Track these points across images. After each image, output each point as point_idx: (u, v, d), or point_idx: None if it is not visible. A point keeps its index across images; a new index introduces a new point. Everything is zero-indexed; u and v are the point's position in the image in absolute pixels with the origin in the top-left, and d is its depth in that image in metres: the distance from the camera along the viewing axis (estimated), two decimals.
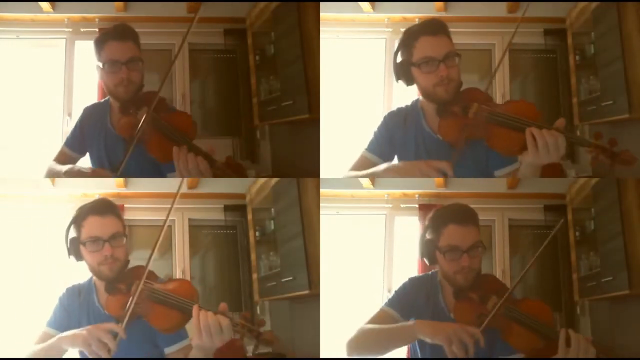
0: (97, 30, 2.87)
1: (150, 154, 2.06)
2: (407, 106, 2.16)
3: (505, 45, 2.91)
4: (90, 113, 2.27)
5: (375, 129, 2.19)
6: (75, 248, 1.97)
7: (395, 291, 2.10)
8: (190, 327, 1.92)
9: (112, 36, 2.11)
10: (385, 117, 2.19)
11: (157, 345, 1.99)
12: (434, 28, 1.99)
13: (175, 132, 2.04)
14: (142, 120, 2.01)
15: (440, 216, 2.00)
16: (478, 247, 1.94)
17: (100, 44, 2.11)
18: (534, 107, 1.95)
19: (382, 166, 2.09)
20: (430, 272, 2.11)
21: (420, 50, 1.97)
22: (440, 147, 2.02)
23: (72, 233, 1.98)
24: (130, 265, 2.01)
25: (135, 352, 1.96)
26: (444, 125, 1.97)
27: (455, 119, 1.96)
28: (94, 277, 2.03)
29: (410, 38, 2.00)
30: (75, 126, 2.28)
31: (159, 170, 2.16)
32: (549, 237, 1.96)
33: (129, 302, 1.89)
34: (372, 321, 2.04)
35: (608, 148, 1.88)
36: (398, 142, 2.14)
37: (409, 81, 2.03)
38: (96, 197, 2.89)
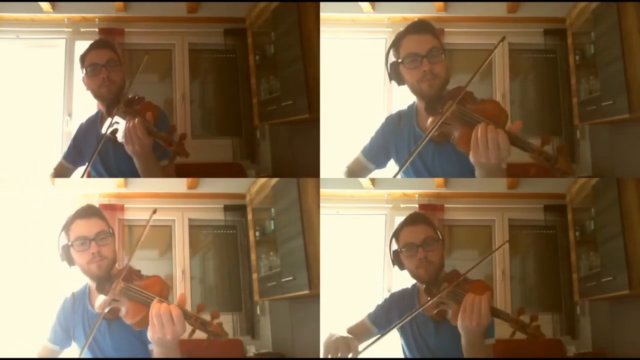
0: (97, 30, 2.87)
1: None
2: (405, 108, 2.21)
3: (505, 45, 2.91)
4: (85, 127, 2.41)
5: (373, 133, 2.25)
6: (66, 253, 2.07)
7: (377, 305, 2.24)
8: None
9: (92, 47, 2.30)
10: (385, 120, 2.26)
11: (143, 341, 2.02)
12: (418, 27, 2.06)
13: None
14: (114, 115, 2.16)
15: (399, 225, 2.16)
16: (434, 242, 2.08)
17: (83, 56, 2.30)
18: (498, 106, 1.99)
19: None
20: (410, 286, 2.23)
21: (405, 48, 2.03)
22: (428, 147, 2.06)
23: (63, 240, 2.08)
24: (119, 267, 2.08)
25: (126, 347, 2.06)
26: (429, 122, 2.01)
27: (436, 117, 1.99)
28: (89, 281, 2.12)
29: (397, 39, 2.07)
30: (71, 142, 2.44)
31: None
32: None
33: (113, 302, 1.97)
34: (351, 329, 2.21)
35: (550, 156, 1.88)
36: (393, 146, 2.21)
37: (400, 81, 2.08)
38: (96, 197, 2.90)
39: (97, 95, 2.27)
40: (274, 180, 2.77)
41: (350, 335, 2.06)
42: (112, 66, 2.25)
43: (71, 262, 2.07)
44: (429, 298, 2.04)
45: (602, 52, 2.67)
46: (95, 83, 2.24)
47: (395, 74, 2.07)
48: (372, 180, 2.94)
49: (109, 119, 2.16)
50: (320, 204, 2.58)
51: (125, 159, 2.19)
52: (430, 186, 2.98)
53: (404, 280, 2.21)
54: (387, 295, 2.31)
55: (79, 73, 2.90)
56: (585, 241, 2.82)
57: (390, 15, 2.95)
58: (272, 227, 2.82)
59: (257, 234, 2.91)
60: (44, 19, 2.87)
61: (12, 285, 2.85)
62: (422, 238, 2.08)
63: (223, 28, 2.92)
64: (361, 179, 2.89)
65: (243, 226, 3.01)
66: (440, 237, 2.12)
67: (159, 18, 2.87)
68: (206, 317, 1.92)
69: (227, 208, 3.01)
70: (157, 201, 2.97)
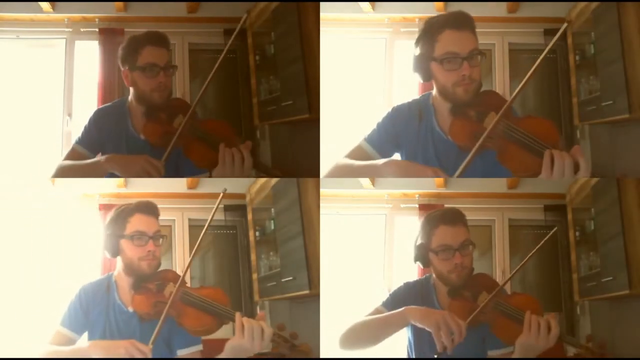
0: (97, 30, 2.87)
1: (188, 158, 2.07)
2: (417, 101, 2.03)
3: (505, 45, 2.91)
4: (106, 115, 2.23)
5: (380, 120, 2.05)
6: (114, 242, 2.01)
7: (390, 294, 2.13)
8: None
9: (149, 41, 2.11)
10: (393, 110, 2.05)
11: (170, 346, 2.02)
12: (460, 22, 1.86)
13: (213, 138, 2.06)
14: (180, 128, 2.04)
15: (432, 219, 2.02)
16: (468, 244, 1.98)
17: (136, 47, 2.10)
18: (554, 127, 1.83)
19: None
20: (424, 277, 2.14)
21: (443, 45, 1.83)
22: (450, 150, 1.91)
23: (115, 228, 2.02)
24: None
25: (152, 352, 1.97)
26: (457, 126, 1.85)
27: (468, 123, 1.84)
28: (115, 275, 2.07)
29: (433, 30, 1.86)
30: (89, 127, 2.22)
31: (181, 173, 2.18)
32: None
33: (163, 305, 1.95)
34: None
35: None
36: (404, 139, 2.01)
37: (427, 76, 1.90)
38: (96, 197, 2.90)
39: (143, 97, 2.10)
40: (274, 180, 2.77)
41: (453, 315, 1.90)
42: (169, 70, 2.10)
43: (116, 252, 2.02)
44: (451, 298, 1.96)
45: (602, 52, 2.67)
46: (149, 85, 2.07)
47: (424, 69, 1.88)
48: (372, 180, 2.94)
49: (162, 128, 2.04)
50: (320, 204, 2.58)
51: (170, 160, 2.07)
52: (430, 186, 2.99)
53: (403, 280, 2.20)
54: (387, 292, 2.26)
55: (79, 73, 2.93)
56: (585, 241, 2.82)
57: (390, 15, 2.95)
58: (272, 227, 2.82)
59: (257, 234, 2.91)
60: (44, 19, 2.87)
61: (12, 285, 2.85)
62: (461, 241, 1.96)
63: (223, 28, 2.92)
64: (361, 179, 2.89)
65: (243, 226, 3.01)
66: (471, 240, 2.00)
67: (159, 18, 2.87)
68: (286, 335, 1.95)
69: (227, 208, 3.01)
70: (157, 201, 2.93)
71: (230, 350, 1.88)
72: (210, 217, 2.04)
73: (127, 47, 2.11)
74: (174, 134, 2.03)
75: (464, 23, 1.86)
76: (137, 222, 2.01)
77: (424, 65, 1.88)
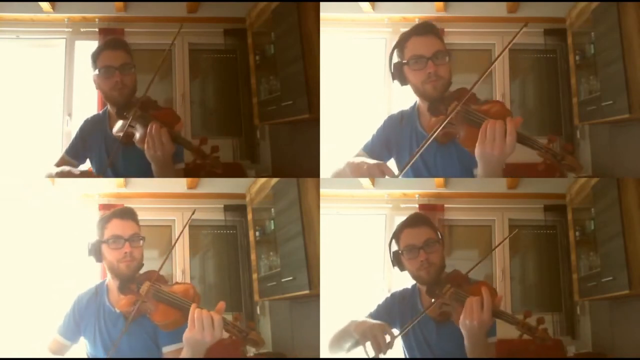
0: (97, 30, 2.87)
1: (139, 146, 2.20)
2: (407, 108, 2.22)
3: (505, 45, 2.91)
4: (91, 123, 2.42)
5: (375, 131, 2.26)
6: (96, 249, 2.14)
7: (378, 304, 2.23)
8: None
9: (106, 47, 2.31)
10: (386, 119, 2.26)
11: (158, 343, 2.10)
12: (423, 29, 2.08)
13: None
14: (130, 119, 2.19)
15: (398, 227, 2.16)
16: (434, 243, 2.08)
17: (95, 55, 2.30)
18: (503, 106, 2.00)
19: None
20: (411, 285, 2.22)
21: (410, 50, 2.06)
22: (430, 147, 2.06)
23: (95, 237, 2.15)
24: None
25: (140, 347, 2.11)
26: (432, 123, 2.03)
27: (439, 117, 2.02)
28: (107, 280, 2.19)
29: (402, 40, 2.09)
30: (76, 136, 2.43)
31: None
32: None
33: (143, 307, 2.06)
34: None
35: (557, 153, 1.89)
36: (394, 144, 2.21)
37: (403, 81, 2.10)
38: (96, 197, 2.90)
39: (107, 97, 2.29)
40: (274, 180, 2.76)
41: (380, 322, 2.05)
42: (126, 70, 2.26)
43: (99, 258, 2.14)
44: (432, 299, 2.04)
45: (602, 52, 2.67)
46: (107, 85, 2.25)
47: (399, 74, 2.10)
48: (372, 180, 2.94)
49: (121, 121, 2.20)
50: (320, 204, 2.58)
51: (135, 160, 2.23)
52: (430, 186, 2.99)
53: (404, 280, 2.21)
54: (387, 295, 2.30)
55: (79, 73, 2.93)
56: (585, 241, 2.82)
57: (390, 15, 2.95)
58: (272, 227, 2.82)
59: (257, 234, 2.91)
60: (44, 19, 2.87)
61: (12, 285, 2.85)
62: (423, 240, 2.08)
63: (223, 28, 2.92)
64: (361, 179, 2.89)
65: (243, 226, 3.01)
66: (441, 238, 2.12)
67: (159, 18, 2.87)
68: (242, 325, 2.03)
69: (227, 208, 3.01)
70: (157, 201, 2.97)
71: (186, 343, 1.96)
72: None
73: (91, 55, 2.31)
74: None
75: (427, 30, 2.08)
76: (113, 227, 2.12)
77: (398, 71, 2.10)
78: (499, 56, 2.12)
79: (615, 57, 2.55)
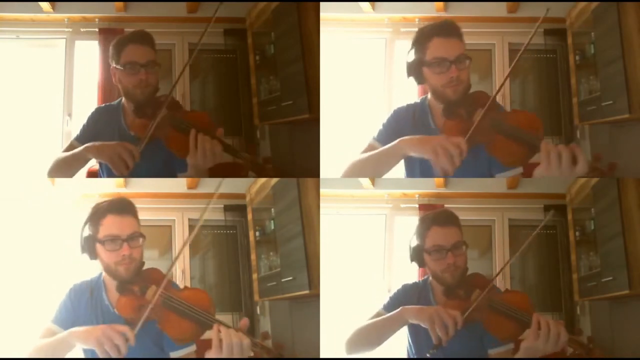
0: (97, 30, 2.87)
1: (169, 149, 2.11)
2: (415, 103, 2.18)
3: (505, 45, 2.91)
4: (103, 113, 2.29)
5: (385, 120, 2.19)
6: (90, 246, 1.98)
7: (390, 297, 2.19)
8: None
9: (131, 40, 2.17)
10: (395, 111, 2.20)
11: (163, 347, 1.99)
12: (447, 30, 2.03)
13: (192, 127, 2.09)
14: (158, 118, 2.09)
15: (425, 221, 2.11)
16: (461, 246, 2.05)
17: (119, 46, 2.16)
18: (537, 119, 1.98)
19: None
20: (423, 278, 2.21)
21: (433, 51, 2.01)
22: None
23: (88, 231, 1.99)
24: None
25: (144, 351, 1.97)
26: (448, 126, 2.00)
27: (459, 121, 1.99)
28: (104, 275, 2.04)
29: (423, 38, 2.04)
30: (88, 124, 2.29)
31: (170, 168, 2.19)
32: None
33: (145, 309, 1.90)
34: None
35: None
36: (404, 135, 2.08)
37: (420, 79, 2.07)
38: (96, 197, 2.89)
39: (128, 94, 2.17)
40: (274, 180, 2.76)
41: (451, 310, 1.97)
42: (151, 68, 2.14)
43: (93, 255, 1.99)
44: (446, 298, 2.02)
45: (602, 52, 2.66)
46: (131, 82, 2.14)
47: (417, 72, 2.05)
48: (372, 180, 2.94)
49: (149, 123, 2.08)
50: (320, 204, 2.58)
51: (152, 160, 2.13)
52: (430, 186, 2.99)
53: (404, 280, 2.21)
54: (387, 292, 2.30)
55: (79, 73, 2.93)
56: (585, 241, 2.82)
57: (390, 15, 2.95)
58: (272, 227, 2.82)
59: (257, 234, 2.91)
60: (44, 19, 2.87)
61: (12, 285, 2.85)
62: (453, 242, 2.04)
63: (223, 28, 2.92)
64: (361, 179, 2.89)
65: (243, 226, 3.01)
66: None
67: (159, 18, 2.87)
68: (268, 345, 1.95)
69: (227, 208, 3.01)
70: (157, 201, 2.97)
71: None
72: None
73: (114, 46, 2.18)
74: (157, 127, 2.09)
75: (451, 31, 2.03)
76: (109, 225, 1.96)
77: (416, 69, 2.05)
78: (518, 57, 2.11)
79: (615, 57, 2.55)
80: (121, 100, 2.25)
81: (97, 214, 1.98)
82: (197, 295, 1.97)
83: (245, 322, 1.92)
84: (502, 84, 2.19)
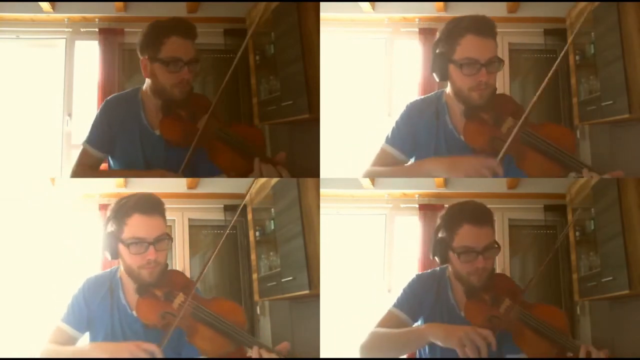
0: (97, 30, 2.87)
1: (214, 163, 1.96)
2: (430, 98, 2.04)
3: (505, 45, 2.91)
4: (116, 106, 2.05)
5: (398, 118, 2.06)
6: (112, 245, 1.82)
7: (403, 289, 2.06)
8: None
9: (175, 31, 1.94)
10: (407, 107, 2.07)
11: (180, 354, 1.89)
12: (482, 29, 1.88)
13: (243, 144, 1.95)
14: (202, 128, 1.89)
15: (455, 215, 1.93)
16: (493, 247, 1.90)
17: (159, 37, 1.92)
18: (572, 135, 1.93)
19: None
20: (438, 268, 2.05)
21: (464, 49, 1.86)
22: (462, 148, 1.92)
23: (111, 227, 1.82)
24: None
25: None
26: (471, 129, 1.88)
27: (483, 126, 1.87)
28: (120, 272, 1.91)
29: (456, 32, 1.88)
30: (98, 122, 2.05)
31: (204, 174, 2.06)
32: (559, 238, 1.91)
33: (170, 317, 1.79)
34: (381, 324, 2.02)
35: None
36: (419, 135, 2.01)
37: (443, 77, 1.92)
38: (96, 197, 2.89)
39: (162, 91, 1.92)
40: (274, 180, 2.76)
41: (477, 327, 1.82)
42: (193, 66, 1.93)
43: (115, 255, 1.83)
44: (468, 299, 1.89)
45: (602, 52, 2.66)
46: (170, 80, 1.90)
47: (442, 69, 1.90)
48: (372, 180, 2.94)
49: (180, 124, 1.88)
50: (320, 204, 2.58)
51: (163, 154, 1.95)
52: (430, 186, 2.98)
53: (404, 280, 2.20)
54: (387, 292, 2.26)
55: (79, 73, 2.93)
56: (585, 241, 2.82)
57: (390, 15, 2.95)
58: (272, 227, 2.82)
59: (257, 234, 2.91)
60: (44, 19, 2.87)
61: (12, 285, 2.85)
62: (485, 244, 1.87)
63: (223, 28, 2.92)
64: (361, 179, 2.89)
65: (243, 226, 3.00)
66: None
67: (159, 18, 2.86)
68: None
69: (227, 208, 3.01)
70: None
71: None
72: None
73: (149, 34, 1.93)
74: (195, 134, 1.88)
75: (487, 30, 1.88)
76: (135, 226, 1.80)
77: (442, 65, 1.89)
78: (558, 60, 2.00)
79: (615, 57, 2.55)
80: (138, 90, 2.03)
81: (123, 211, 1.82)
82: (229, 306, 1.86)
83: (285, 345, 1.82)
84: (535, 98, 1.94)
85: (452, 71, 1.88)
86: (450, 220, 1.92)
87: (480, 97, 1.87)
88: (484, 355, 1.77)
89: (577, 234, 2.85)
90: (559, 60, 1.97)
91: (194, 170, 1.97)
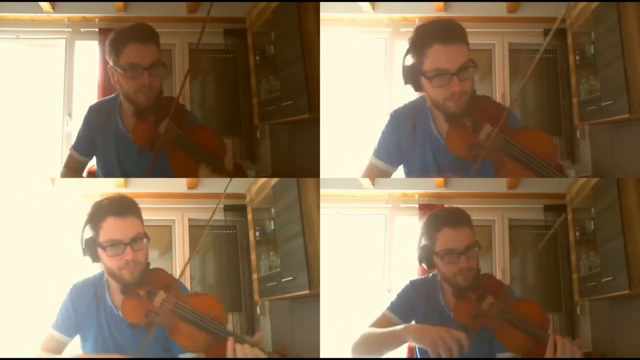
0: (97, 30, 2.87)
1: (172, 169, 1.97)
2: (413, 103, 2.01)
3: (505, 45, 2.91)
4: (97, 111, 2.11)
5: (383, 128, 2.05)
6: (91, 249, 1.85)
7: (397, 294, 2.11)
8: None
9: (132, 37, 1.92)
10: (391, 116, 2.04)
11: (171, 350, 1.90)
12: (449, 36, 1.79)
13: (201, 152, 1.96)
14: (163, 133, 1.91)
15: (433, 221, 1.97)
16: (474, 247, 1.93)
17: (118, 45, 1.92)
18: (549, 142, 1.87)
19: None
20: (430, 274, 2.11)
21: (432, 61, 1.78)
22: (448, 155, 1.90)
23: (88, 233, 1.86)
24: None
25: (150, 353, 1.89)
26: (452, 135, 1.84)
27: (464, 133, 1.83)
28: (107, 274, 1.93)
29: (422, 42, 1.81)
30: (82, 127, 2.13)
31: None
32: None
33: (153, 315, 1.82)
34: (374, 325, 2.07)
35: None
36: (405, 144, 2.00)
37: (418, 87, 1.87)
38: (96, 197, 2.88)
39: (130, 99, 1.94)
40: (274, 180, 2.76)
41: (451, 329, 1.85)
42: (155, 70, 1.90)
43: (96, 259, 1.85)
44: (455, 298, 1.94)
45: (602, 52, 2.66)
46: (132, 87, 1.91)
47: (414, 80, 1.84)
48: (372, 180, 2.94)
49: (153, 128, 1.89)
50: (320, 204, 2.58)
51: (136, 156, 2.00)
52: (430, 186, 2.98)
53: (404, 281, 2.20)
54: (387, 292, 2.28)
55: (79, 73, 2.93)
56: (585, 241, 2.82)
57: (390, 15, 2.95)
58: (272, 227, 2.82)
59: (257, 234, 2.91)
60: (44, 19, 2.87)
61: (12, 285, 2.85)
62: (465, 244, 1.89)
63: (223, 28, 2.92)
64: (361, 179, 2.89)
65: (243, 226, 3.01)
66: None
67: (159, 18, 2.87)
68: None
69: (227, 208, 3.01)
70: (157, 201, 2.97)
71: None
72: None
73: (111, 42, 1.93)
74: (159, 139, 1.91)
75: (453, 36, 1.80)
76: (109, 228, 1.81)
77: (414, 77, 1.84)
78: (540, 54, 1.96)
79: (615, 57, 2.55)
80: (118, 96, 2.05)
81: (97, 215, 1.85)
82: (208, 302, 1.87)
83: (260, 335, 1.82)
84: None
85: (424, 83, 1.83)
86: (430, 226, 1.96)
87: (456, 105, 1.81)
88: (456, 356, 1.82)
89: (577, 234, 2.86)
90: (539, 55, 1.95)
91: (155, 174, 2.02)
